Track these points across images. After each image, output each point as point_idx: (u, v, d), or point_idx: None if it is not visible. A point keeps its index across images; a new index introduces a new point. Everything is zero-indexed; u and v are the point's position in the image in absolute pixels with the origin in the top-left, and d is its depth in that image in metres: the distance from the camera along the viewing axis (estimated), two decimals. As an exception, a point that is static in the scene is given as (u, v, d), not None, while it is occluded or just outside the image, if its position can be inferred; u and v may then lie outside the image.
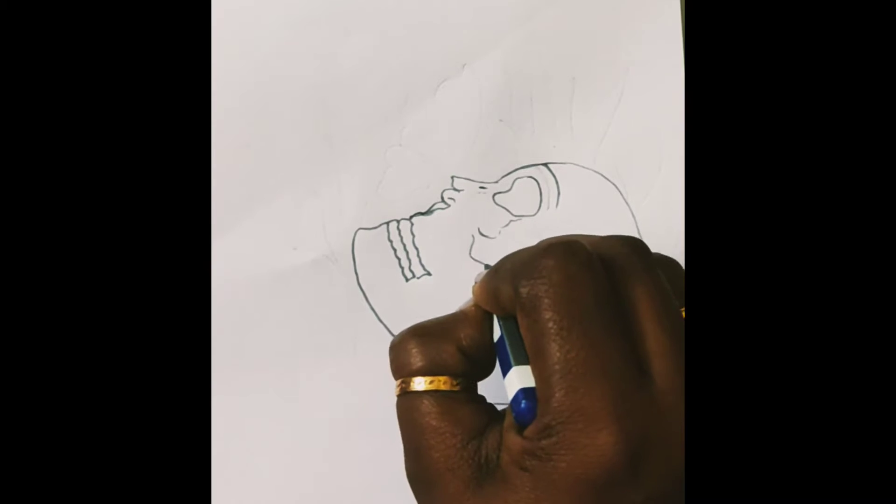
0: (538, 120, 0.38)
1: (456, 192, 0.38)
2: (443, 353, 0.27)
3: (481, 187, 0.38)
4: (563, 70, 0.38)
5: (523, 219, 0.38)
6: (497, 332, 0.27)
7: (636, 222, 0.38)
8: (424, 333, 0.27)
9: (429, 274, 0.38)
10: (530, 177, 0.38)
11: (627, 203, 0.38)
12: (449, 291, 0.38)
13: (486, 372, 0.28)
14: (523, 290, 0.24)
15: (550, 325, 0.24)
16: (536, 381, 0.24)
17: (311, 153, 0.38)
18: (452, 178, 0.38)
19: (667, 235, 0.37)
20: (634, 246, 0.26)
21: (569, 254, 0.24)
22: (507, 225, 0.38)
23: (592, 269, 0.24)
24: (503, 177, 0.38)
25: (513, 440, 0.24)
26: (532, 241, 0.28)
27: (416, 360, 0.27)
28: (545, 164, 0.38)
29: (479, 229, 0.38)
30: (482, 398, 0.28)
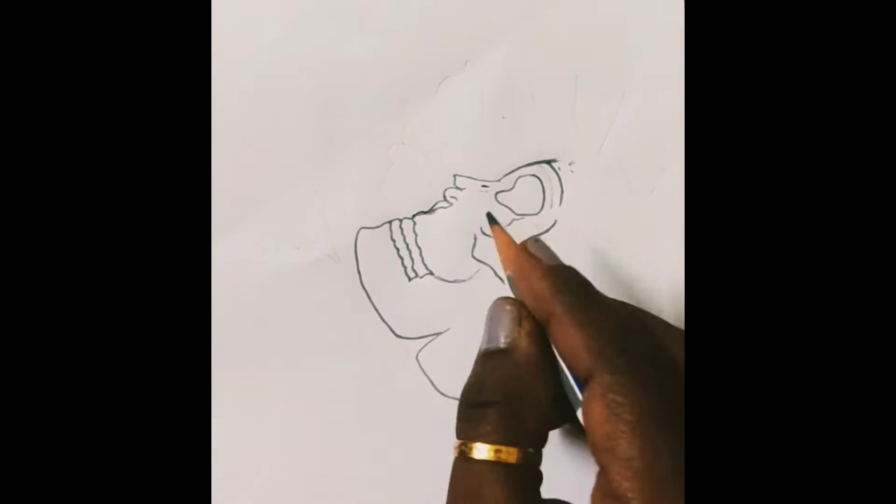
0: (541, 118, 0.38)
1: (458, 191, 0.38)
2: None
3: (483, 186, 0.38)
4: (566, 67, 0.38)
5: (526, 217, 0.38)
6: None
7: (640, 220, 0.38)
8: None
9: (431, 273, 0.38)
10: (533, 175, 0.38)
11: (631, 201, 0.38)
12: (451, 291, 0.38)
13: None
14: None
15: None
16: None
17: (313, 152, 0.37)
18: (455, 176, 0.38)
19: (671, 234, 0.37)
20: None
21: None
22: (509, 224, 0.38)
23: None
24: (506, 175, 0.38)
25: None
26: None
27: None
28: (548, 162, 0.38)
29: (481, 228, 0.38)
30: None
